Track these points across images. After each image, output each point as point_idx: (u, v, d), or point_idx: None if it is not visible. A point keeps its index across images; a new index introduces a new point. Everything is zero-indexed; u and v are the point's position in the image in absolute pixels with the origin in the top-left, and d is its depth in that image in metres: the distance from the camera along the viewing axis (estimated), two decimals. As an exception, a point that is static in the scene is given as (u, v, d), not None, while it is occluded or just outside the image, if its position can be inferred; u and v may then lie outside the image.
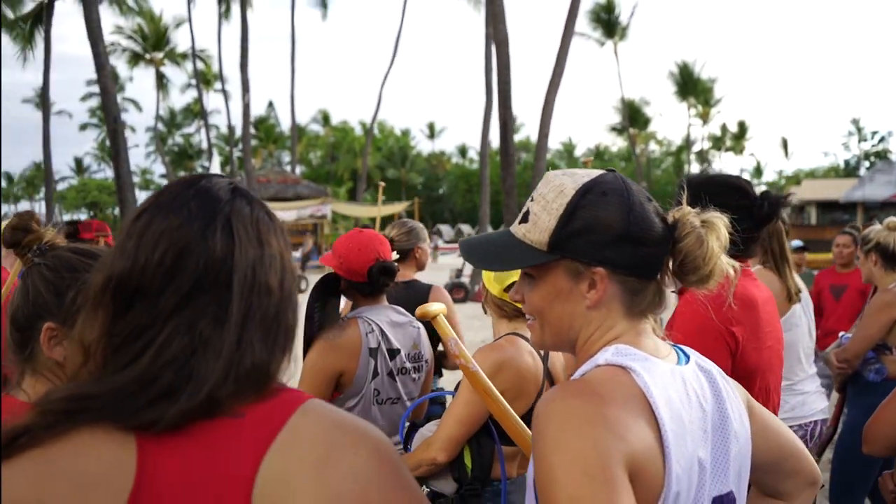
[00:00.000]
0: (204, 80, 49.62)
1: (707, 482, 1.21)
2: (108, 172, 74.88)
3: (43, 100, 26.26)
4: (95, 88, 63.30)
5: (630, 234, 1.25)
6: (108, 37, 50.40)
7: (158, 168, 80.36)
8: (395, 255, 2.88)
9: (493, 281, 2.53)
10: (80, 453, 0.92)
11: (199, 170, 60.69)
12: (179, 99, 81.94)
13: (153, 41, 46.73)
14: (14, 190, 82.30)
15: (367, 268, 2.72)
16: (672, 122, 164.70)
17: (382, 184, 5.53)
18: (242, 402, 0.97)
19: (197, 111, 55.07)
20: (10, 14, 32.11)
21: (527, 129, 73.42)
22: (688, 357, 1.35)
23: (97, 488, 0.91)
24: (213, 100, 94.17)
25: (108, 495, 0.90)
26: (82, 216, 73.42)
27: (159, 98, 48.06)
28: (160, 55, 46.69)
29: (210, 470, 0.92)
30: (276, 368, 1.02)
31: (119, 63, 49.00)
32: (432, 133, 77.56)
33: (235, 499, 0.91)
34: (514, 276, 2.43)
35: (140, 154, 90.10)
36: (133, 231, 1.03)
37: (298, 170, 68.71)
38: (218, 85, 58.97)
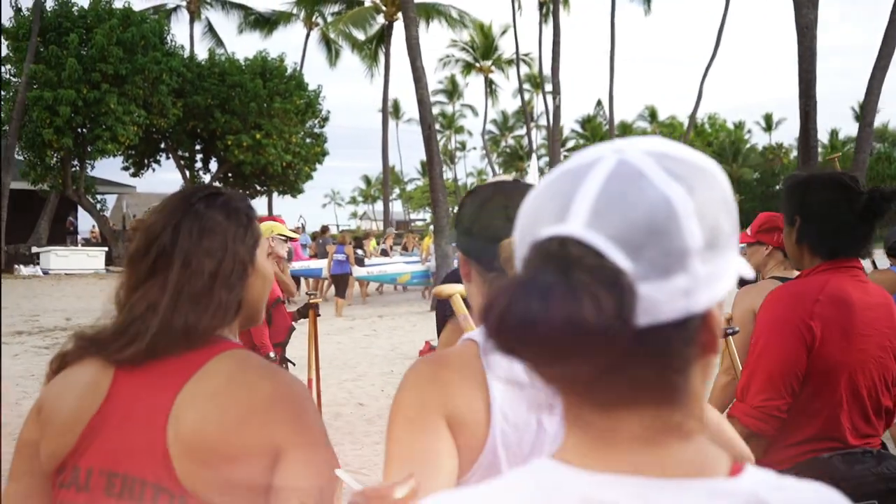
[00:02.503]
0: (534, 83, 51.80)
1: (547, 442, 1.37)
2: (449, 174, 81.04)
3: (383, 110, 29.61)
4: (440, 98, 69.24)
5: (469, 228, 1.46)
6: (445, 50, 55.07)
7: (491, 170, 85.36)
8: None
9: None
10: (81, 374, 1.42)
11: (527, 170, 63.39)
12: (513, 102, 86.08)
13: (482, 50, 49.97)
14: (371, 191, 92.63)
15: None
16: None
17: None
18: (177, 350, 1.39)
19: (529, 113, 57.68)
20: (360, 36, 36.51)
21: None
22: None
23: (83, 399, 1.39)
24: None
25: (88, 403, 1.38)
26: (427, 216, 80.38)
27: (488, 104, 51.20)
28: (488, 63, 49.76)
29: (146, 397, 1.36)
30: (205, 328, 1.39)
31: (454, 72, 53.11)
32: (769, 125, 72.50)
33: (158, 419, 1.34)
34: None
35: (476, 156, 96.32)
36: (144, 223, 1.52)
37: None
38: (547, 87, 61.39)
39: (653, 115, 70.50)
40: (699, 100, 35.01)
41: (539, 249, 0.68)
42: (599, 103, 73.07)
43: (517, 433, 1.31)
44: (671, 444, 0.70)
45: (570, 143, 75.31)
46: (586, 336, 0.62)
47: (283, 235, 5.13)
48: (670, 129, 66.94)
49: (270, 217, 5.92)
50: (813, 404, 2.28)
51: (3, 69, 25.82)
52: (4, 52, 25.53)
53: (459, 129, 77.16)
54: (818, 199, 2.39)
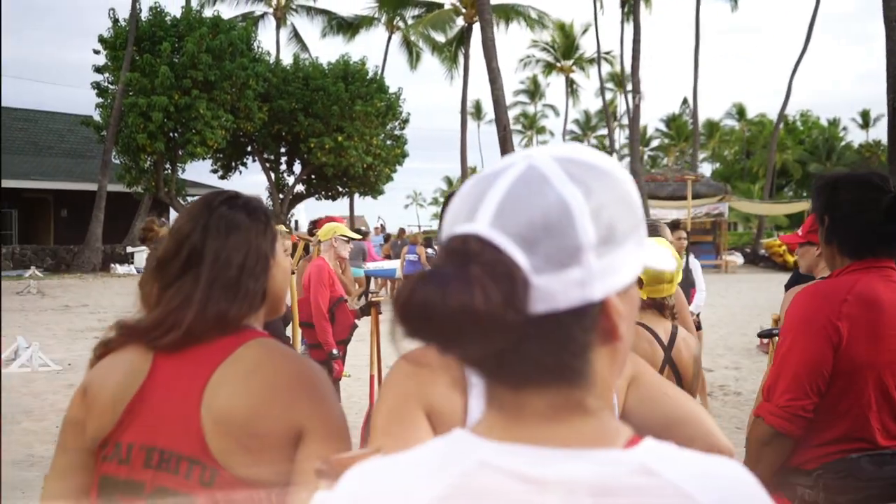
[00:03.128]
0: (617, 82, 51.14)
1: None
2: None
3: (462, 111, 29.79)
4: (522, 98, 69.11)
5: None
6: (526, 50, 54.85)
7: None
8: None
9: None
10: (123, 359, 1.58)
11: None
12: (596, 102, 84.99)
13: (563, 50, 49.60)
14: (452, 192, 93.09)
15: None
16: None
17: None
18: (211, 337, 1.53)
19: (611, 112, 56.97)
20: (440, 39, 36.79)
21: None
22: None
23: (125, 381, 1.55)
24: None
25: (130, 385, 1.54)
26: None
27: (568, 104, 50.80)
28: (569, 63, 49.32)
29: (182, 379, 1.51)
30: (235, 316, 1.55)
31: (535, 73, 52.86)
32: (866, 122, 69.46)
33: (193, 399, 1.48)
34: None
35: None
36: (172, 228, 1.68)
37: (709, 167, 66.98)
38: (628, 86, 60.41)
39: (741, 112, 68.51)
40: (788, 96, 33.93)
41: (446, 245, 0.77)
42: (685, 101, 71.48)
43: None
44: (572, 420, 0.78)
45: (655, 143, 73.93)
46: (477, 322, 0.71)
47: (345, 236, 5.29)
48: (759, 127, 64.92)
49: (332, 218, 6.11)
50: (841, 404, 2.26)
51: (102, 77, 27.15)
52: (103, 61, 26.84)
53: (541, 130, 76.75)
54: (846, 199, 2.37)
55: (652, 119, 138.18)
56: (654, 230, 4.06)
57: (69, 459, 1.56)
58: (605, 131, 69.94)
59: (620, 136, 56.60)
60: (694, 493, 0.75)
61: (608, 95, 50.30)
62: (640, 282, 2.66)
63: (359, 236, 6.11)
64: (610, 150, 42.51)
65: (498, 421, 0.80)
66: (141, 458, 1.46)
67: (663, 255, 0.89)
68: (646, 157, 73.56)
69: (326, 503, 0.84)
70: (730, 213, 33.16)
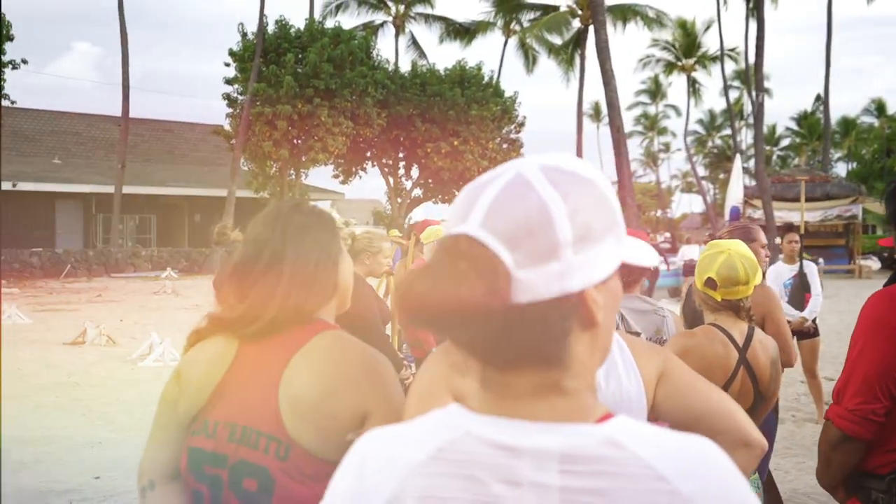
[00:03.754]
0: (743, 79, 49.30)
1: None
2: (652, 176, 78.92)
3: (578, 113, 29.63)
4: (643, 98, 67.76)
5: None
6: (646, 50, 53.75)
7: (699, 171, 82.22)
8: None
9: (696, 276, 2.76)
10: (212, 347, 1.78)
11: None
12: (721, 101, 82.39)
13: (684, 48, 48.26)
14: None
15: None
16: None
17: None
18: (289, 328, 1.71)
19: (737, 111, 55.01)
20: (557, 41, 36.64)
21: None
22: None
23: (213, 366, 1.75)
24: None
25: (217, 370, 1.74)
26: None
27: (690, 104, 49.38)
28: (691, 61, 47.91)
29: (263, 365, 1.70)
30: (311, 308, 1.73)
31: (656, 73, 51.67)
32: None
33: (272, 382, 1.67)
34: (711, 271, 2.67)
35: (681, 158, 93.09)
36: (249, 235, 1.87)
37: (845, 167, 63.38)
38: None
39: (880, 108, 64.47)
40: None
41: (441, 244, 0.88)
42: (819, 98, 67.97)
43: None
44: (549, 397, 0.88)
45: (785, 142, 70.70)
46: (464, 310, 0.82)
47: (446, 238, 5.44)
48: (901, 124, 60.93)
49: (431, 222, 6.26)
50: (920, 409, 2.21)
51: (232, 89, 28.65)
52: (233, 73, 28.31)
53: (662, 131, 74.90)
54: None
55: (782, 117, 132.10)
56: (746, 233, 4.00)
57: (164, 434, 1.76)
58: (730, 131, 67.73)
59: (747, 136, 54.58)
60: (656, 465, 0.82)
61: (733, 94, 48.64)
62: (713, 284, 2.67)
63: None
64: (735, 150, 40.96)
65: (486, 397, 0.90)
66: (225, 433, 1.64)
67: (644, 252, 0.97)
68: (775, 156, 70.59)
69: (345, 462, 0.96)
70: (866, 215, 31.33)
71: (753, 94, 30.24)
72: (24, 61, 24.77)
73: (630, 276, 3.17)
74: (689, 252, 14.17)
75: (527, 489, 0.84)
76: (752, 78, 30.44)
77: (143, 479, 1.75)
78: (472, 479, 0.86)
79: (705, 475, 0.84)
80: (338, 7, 38.14)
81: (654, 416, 1.63)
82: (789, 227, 7.26)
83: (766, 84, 41.06)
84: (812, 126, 62.57)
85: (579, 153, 34.34)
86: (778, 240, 7.99)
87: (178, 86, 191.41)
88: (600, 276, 0.89)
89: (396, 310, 0.91)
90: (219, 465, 1.62)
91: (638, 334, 3.12)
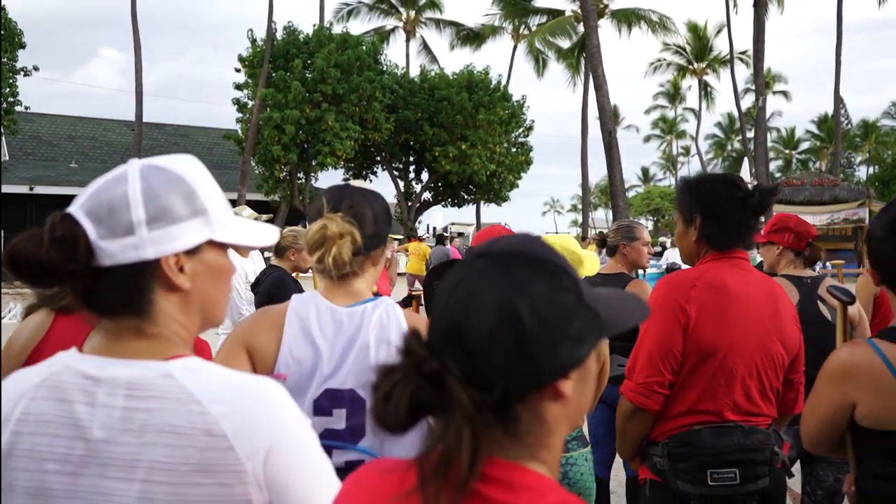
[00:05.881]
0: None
1: (321, 366, 1.87)
2: (671, 180, 78.57)
3: (583, 117, 29.64)
4: (661, 101, 67.57)
5: None
6: (657, 53, 53.70)
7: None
8: None
9: None
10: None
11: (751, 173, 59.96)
12: (741, 104, 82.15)
13: (695, 52, 48.20)
14: (592, 199, 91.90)
15: None
16: None
17: None
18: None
19: (753, 115, 54.71)
20: (565, 45, 36.82)
21: None
22: (376, 307, 1.96)
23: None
24: (776, 102, 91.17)
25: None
26: (648, 222, 78.57)
27: (702, 107, 49.26)
28: (702, 65, 47.83)
29: None
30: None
31: (668, 76, 51.49)
32: None
33: None
34: None
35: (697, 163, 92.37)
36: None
37: (865, 171, 62.74)
38: (777, 86, 57.86)
39: (901, 111, 63.69)
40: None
41: (49, 218, 1.19)
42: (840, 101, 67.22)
43: (298, 364, 1.85)
44: (130, 339, 1.20)
45: (805, 145, 70.12)
46: (47, 269, 1.13)
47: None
48: (921, 127, 60.16)
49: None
50: (690, 381, 2.47)
51: (242, 94, 29.19)
52: (243, 78, 28.84)
53: (681, 135, 74.60)
54: (717, 197, 2.58)
55: (801, 120, 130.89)
56: (628, 232, 4.26)
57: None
58: (750, 134, 67.22)
59: (745, 141, 54.27)
60: (195, 392, 1.14)
61: (750, 97, 48.39)
62: None
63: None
64: (744, 153, 40.86)
65: (93, 338, 1.22)
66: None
67: (253, 235, 1.29)
68: (794, 160, 69.93)
69: None
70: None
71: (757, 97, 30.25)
72: (36, 68, 25.33)
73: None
74: (671, 255, 14.38)
75: (99, 408, 1.15)
76: (776, 81, 30.32)
77: None
78: (63, 401, 1.17)
79: (237, 401, 1.15)
80: (349, 13, 38.66)
81: None
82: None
83: (784, 87, 40.93)
84: (832, 129, 61.94)
85: (584, 156, 34.43)
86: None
87: (194, 92, 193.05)
88: (177, 248, 1.20)
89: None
90: None
91: None
